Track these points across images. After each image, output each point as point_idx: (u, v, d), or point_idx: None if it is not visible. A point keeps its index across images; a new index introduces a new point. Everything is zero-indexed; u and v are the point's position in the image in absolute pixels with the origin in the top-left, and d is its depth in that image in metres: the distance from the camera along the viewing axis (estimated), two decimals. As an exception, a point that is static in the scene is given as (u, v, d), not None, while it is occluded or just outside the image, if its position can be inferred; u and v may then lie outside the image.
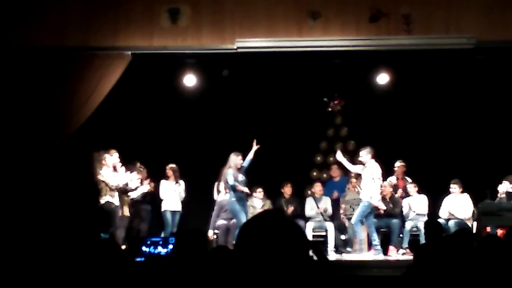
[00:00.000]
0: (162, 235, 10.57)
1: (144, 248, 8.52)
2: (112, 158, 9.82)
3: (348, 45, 9.66)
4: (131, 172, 10.13)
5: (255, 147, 10.11)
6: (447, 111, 12.06)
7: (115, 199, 9.69)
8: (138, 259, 7.76)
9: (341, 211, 11.16)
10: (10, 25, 9.55)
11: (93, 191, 9.82)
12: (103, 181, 9.63)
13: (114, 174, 9.82)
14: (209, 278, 3.68)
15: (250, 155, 10.09)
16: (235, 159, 10.04)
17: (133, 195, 10.37)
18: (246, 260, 2.13)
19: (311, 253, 4.15)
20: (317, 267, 4.06)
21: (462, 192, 10.65)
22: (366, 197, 10.20)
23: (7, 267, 5.44)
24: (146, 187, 10.63)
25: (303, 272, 2.15)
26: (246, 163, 10.09)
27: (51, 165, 9.96)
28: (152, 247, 8.27)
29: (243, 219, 9.43)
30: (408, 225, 10.62)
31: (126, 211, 10.05)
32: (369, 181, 10.17)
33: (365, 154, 10.28)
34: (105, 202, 9.57)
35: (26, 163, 9.47)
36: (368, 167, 10.23)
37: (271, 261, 2.11)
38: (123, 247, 9.15)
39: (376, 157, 10.33)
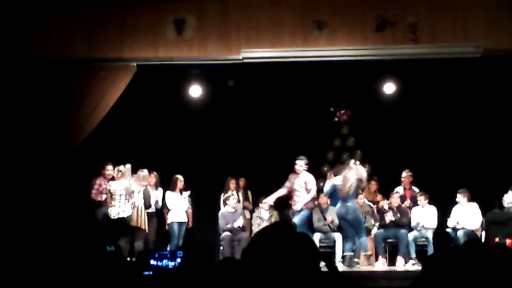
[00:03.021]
0: (168, 247, 10.50)
1: (152, 262, 8.46)
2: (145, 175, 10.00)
3: (354, 55, 9.62)
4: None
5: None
6: (455, 121, 11.99)
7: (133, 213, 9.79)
8: (147, 273, 7.70)
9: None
10: (16, 37, 9.59)
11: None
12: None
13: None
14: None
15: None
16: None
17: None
18: (256, 271, 2.08)
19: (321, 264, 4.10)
20: (326, 278, 4.00)
21: (470, 201, 10.56)
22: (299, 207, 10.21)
23: (14, 276, 5.41)
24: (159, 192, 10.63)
25: (312, 283, 2.11)
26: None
27: (57, 176, 9.94)
28: (160, 260, 8.21)
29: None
30: (411, 235, 10.54)
31: (146, 225, 10.07)
32: (302, 191, 10.19)
33: (303, 164, 10.30)
34: (128, 216, 9.64)
35: (32, 174, 9.46)
36: (301, 177, 10.24)
37: (280, 273, 2.06)
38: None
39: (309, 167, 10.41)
